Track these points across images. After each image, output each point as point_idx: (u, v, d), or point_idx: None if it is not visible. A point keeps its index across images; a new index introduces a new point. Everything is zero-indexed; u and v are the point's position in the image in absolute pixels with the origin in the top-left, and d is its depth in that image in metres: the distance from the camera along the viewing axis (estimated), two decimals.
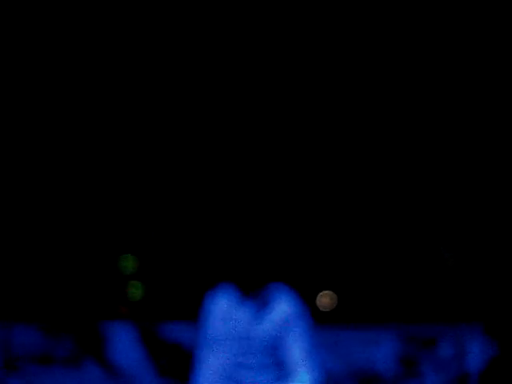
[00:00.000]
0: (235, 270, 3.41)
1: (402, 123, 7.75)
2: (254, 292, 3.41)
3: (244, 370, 3.43)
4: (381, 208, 7.72)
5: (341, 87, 7.74)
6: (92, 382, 7.24)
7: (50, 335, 7.25)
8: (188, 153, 7.62)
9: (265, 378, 3.44)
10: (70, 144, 7.64)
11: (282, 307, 3.39)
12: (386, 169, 7.61)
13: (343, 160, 7.67)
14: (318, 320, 6.87)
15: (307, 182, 7.68)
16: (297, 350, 3.41)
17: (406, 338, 7.37)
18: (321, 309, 7.93)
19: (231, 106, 7.70)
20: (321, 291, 7.80)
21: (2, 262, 7.48)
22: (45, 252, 7.43)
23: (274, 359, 3.42)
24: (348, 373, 7.34)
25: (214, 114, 7.70)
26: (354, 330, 7.40)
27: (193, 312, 7.12)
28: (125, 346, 7.30)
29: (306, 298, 3.91)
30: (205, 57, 7.64)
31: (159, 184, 7.48)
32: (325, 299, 7.87)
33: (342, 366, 7.32)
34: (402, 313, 7.81)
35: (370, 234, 7.82)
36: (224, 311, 3.42)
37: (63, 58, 7.39)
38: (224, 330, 3.41)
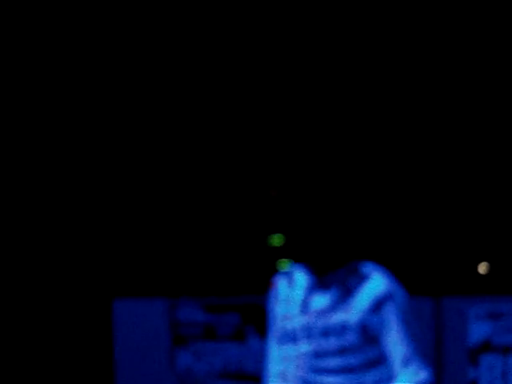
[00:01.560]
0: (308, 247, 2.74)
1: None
2: (333, 273, 2.77)
3: (322, 375, 2.76)
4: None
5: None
6: (257, 356, 7.31)
7: (214, 311, 7.36)
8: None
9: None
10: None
11: (373, 288, 2.72)
12: None
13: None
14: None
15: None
16: (398, 343, 2.73)
17: None
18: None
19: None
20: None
21: (170, 241, 7.61)
22: (208, 233, 7.50)
23: (364, 358, 2.73)
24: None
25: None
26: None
27: None
28: None
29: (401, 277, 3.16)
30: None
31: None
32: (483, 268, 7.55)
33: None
34: None
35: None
36: (295, 298, 2.78)
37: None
38: (294, 323, 2.77)
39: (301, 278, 2.81)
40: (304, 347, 2.74)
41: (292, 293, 2.82)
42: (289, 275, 2.85)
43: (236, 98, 7.46)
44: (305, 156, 2.89)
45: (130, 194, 7.44)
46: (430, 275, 7.14)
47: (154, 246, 7.54)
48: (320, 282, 2.78)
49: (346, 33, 7.14)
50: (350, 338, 2.68)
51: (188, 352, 7.31)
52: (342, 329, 2.71)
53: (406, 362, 2.73)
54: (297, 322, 2.75)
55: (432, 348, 6.45)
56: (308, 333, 2.74)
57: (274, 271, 7.49)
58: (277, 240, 7.19)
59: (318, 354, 2.72)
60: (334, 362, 2.71)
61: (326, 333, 2.72)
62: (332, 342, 2.70)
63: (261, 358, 7.32)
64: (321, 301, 2.74)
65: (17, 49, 7.11)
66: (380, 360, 2.76)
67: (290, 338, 2.76)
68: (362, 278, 2.74)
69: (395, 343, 2.71)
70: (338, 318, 2.70)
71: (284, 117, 7.37)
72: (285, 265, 7.27)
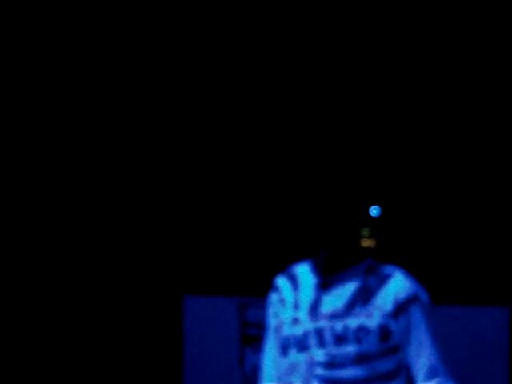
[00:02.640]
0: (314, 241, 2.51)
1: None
2: (344, 272, 2.47)
3: None
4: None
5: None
6: None
7: None
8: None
9: None
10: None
11: (396, 289, 2.43)
12: None
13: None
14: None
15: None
16: (424, 352, 2.43)
17: None
18: None
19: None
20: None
21: (244, 240, 7.53)
22: (281, 233, 7.39)
23: (382, 368, 2.42)
24: None
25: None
26: None
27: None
28: None
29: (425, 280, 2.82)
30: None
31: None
32: None
33: None
34: None
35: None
36: (302, 300, 2.47)
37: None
38: (303, 329, 2.45)
39: (306, 277, 2.55)
40: (317, 355, 2.45)
41: (298, 294, 2.54)
42: (291, 274, 2.59)
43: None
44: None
45: (201, 190, 7.40)
46: (502, 282, 6.84)
47: (227, 244, 7.48)
48: (329, 282, 2.50)
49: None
50: (370, 345, 2.40)
51: (256, 352, 7.20)
52: (361, 335, 2.42)
53: (432, 374, 2.43)
54: (306, 327, 2.47)
55: (505, 362, 6.15)
56: (320, 339, 2.45)
57: None
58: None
59: (331, 363, 2.43)
60: (349, 373, 2.41)
61: (342, 339, 2.42)
62: (348, 350, 2.40)
63: None
64: (333, 303, 2.46)
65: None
66: (399, 371, 2.46)
67: (299, 345, 2.46)
68: (384, 279, 2.46)
69: (420, 352, 2.42)
70: (355, 322, 2.42)
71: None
72: None
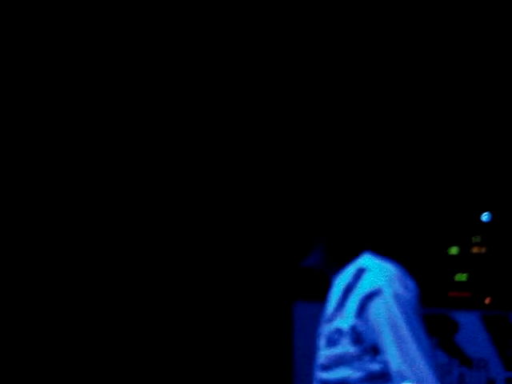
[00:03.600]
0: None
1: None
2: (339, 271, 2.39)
3: None
4: None
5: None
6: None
7: None
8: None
9: None
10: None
11: (363, 285, 2.29)
12: None
13: None
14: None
15: None
16: (388, 354, 2.19)
17: None
18: None
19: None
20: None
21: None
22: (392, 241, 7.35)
23: (365, 371, 2.24)
24: None
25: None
26: None
27: None
28: (472, 335, 7.02)
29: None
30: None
31: None
32: None
33: None
34: None
35: None
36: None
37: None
38: (318, 332, 2.44)
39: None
40: (318, 358, 2.48)
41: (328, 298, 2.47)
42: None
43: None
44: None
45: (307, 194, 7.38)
46: None
47: None
48: (333, 283, 2.45)
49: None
50: (344, 347, 2.32)
51: None
52: (336, 337, 2.37)
53: (397, 381, 2.19)
54: (319, 330, 2.49)
55: None
56: (319, 342, 2.47)
57: (452, 283, 7.22)
58: (454, 250, 6.95)
59: (323, 366, 2.43)
60: (334, 375, 2.36)
61: (328, 342, 2.41)
62: (332, 353, 2.37)
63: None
64: (330, 306, 2.45)
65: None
66: (385, 375, 2.27)
67: (315, 347, 2.46)
68: (359, 275, 2.35)
69: (385, 354, 2.21)
70: (335, 325, 2.39)
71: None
72: (462, 277, 7.01)
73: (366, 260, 2.37)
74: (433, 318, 7.07)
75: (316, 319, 7.33)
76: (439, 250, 7.04)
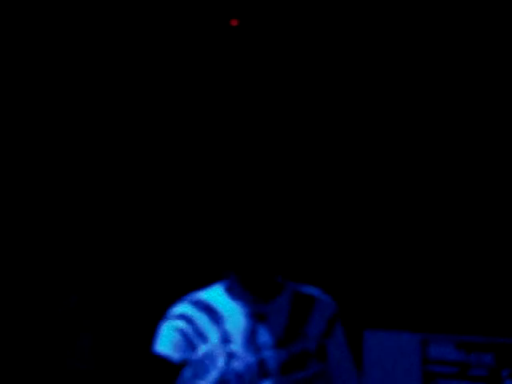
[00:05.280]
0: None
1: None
2: (267, 299, 2.41)
3: None
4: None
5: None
6: None
7: (469, 350, 7.05)
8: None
9: None
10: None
11: (325, 310, 2.53)
12: None
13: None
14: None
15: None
16: (343, 371, 2.49)
17: None
18: None
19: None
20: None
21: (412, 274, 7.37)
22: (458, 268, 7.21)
23: None
24: None
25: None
26: None
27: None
28: None
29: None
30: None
31: None
32: None
33: None
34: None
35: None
36: (231, 332, 2.36)
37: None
38: (245, 362, 2.37)
39: (228, 307, 2.42)
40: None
41: (224, 327, 2.40)
42: (203, 304, 2.42)
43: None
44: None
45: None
46: None
47: (410, 279, 7.28)
48: (263, 311, 2.41)
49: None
50: (314, 366, 2.41)
51: None
52: (304, 359, 2.40)
53: None
54: (248, 360, 2.36)
55: None
56: (265, 371, 2.35)
57: None
58: None
59: None
60: None
61: (289, 366, 2.37)
62: (297, 376, 2.36)
63: None
64: (271, 332, 2.37)
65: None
66: None
67: (241, 379, 2.34)
68: (311, 299, 2.49)
69: (342, 376, 2.46)
70: (296, 348, 2.39)
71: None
72: None
73: (304, 286, 2.56)
74: (505, 346, 6.94)
75: (388, 349, 7.17)
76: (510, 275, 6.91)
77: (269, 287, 2.42)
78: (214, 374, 2.34)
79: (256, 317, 2.40)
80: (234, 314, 2.40)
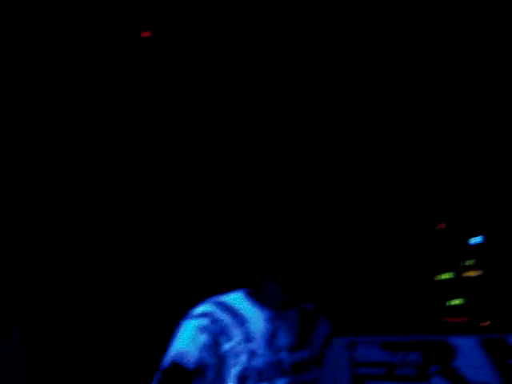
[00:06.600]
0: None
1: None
2: (285, 309, 2.68)
3: None
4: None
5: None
6: None
7: (395, 350, 7.05)
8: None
9: None
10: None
11: (324, 326, 2.87)
12: None
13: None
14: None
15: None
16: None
17: None
18: None
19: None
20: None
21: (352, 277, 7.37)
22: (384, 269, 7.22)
23: None
24: None
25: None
26: None
27: None
28: (471, 360, 6.99)
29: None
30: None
31: None
32: None
33: None
34: None
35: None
36: (253, 332, 2.59)
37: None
38: (264, 360, 2.58)
39: (251, 310, 2.59)
40: None
41: (248, 327, 2.60)
42: (228, 306, 2.60)
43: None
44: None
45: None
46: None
47: (335, 282, 7.26)
48: (277, 317, 2.66)
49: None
50: (314, 371, 2.69)
51: None
52: (310, 363, 2.67)
53: None
54: (267, 358, 2.61)
55: None
56: (281, 369, 2.61)
57: (445, 308, 7.20)
58: (446, 276, 6.91)
59: None
60: None
61: (299, 368, 2.64)
62: (305, 377, 2.65)
63: None
64: (288, 337, 2.64)
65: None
66: None
67: (262, 376, 2.59)
68: (313, 313, 2.80)
69: (334, 374, 2.91)
70: (306, 353, 2.67)
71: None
72: (455, 302, 6.99)
73: (311, 306, 2.92)
74: (430, 344, 6.96)
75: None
76: (431, 275, 6.96)
77: (288, 299, 2.70)
78: (236, 369, 2.55)
79: (275, 322, 2.64)
80: (255, 318, 2.62)
